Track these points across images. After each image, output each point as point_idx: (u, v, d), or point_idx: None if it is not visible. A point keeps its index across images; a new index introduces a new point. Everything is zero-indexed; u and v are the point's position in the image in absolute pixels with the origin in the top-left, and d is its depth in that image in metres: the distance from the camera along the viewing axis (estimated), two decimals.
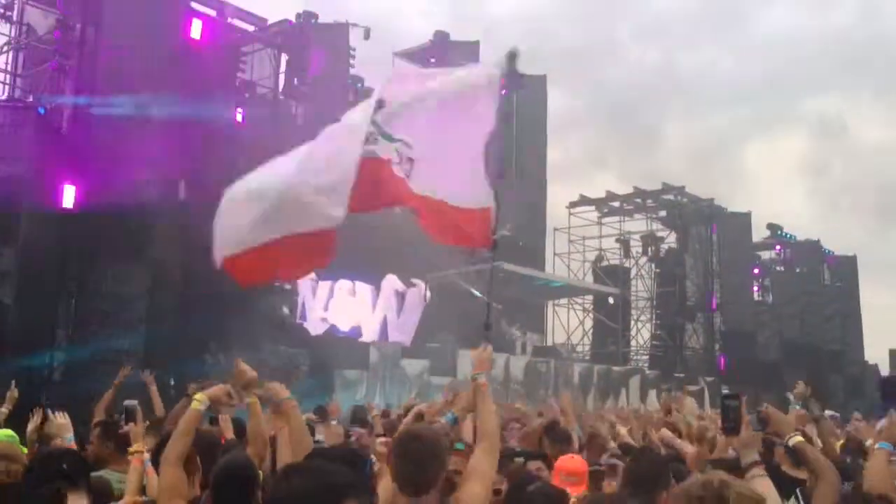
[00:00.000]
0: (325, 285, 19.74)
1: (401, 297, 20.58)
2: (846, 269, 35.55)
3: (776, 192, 62.38)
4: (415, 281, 20.36)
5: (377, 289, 20.41)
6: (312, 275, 19.04)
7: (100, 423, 5.73)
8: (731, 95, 60.93)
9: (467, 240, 4.89)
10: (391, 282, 20.36)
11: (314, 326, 18.57)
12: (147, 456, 4.33)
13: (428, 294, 20.58)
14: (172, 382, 11.64)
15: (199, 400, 3.86)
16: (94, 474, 4.12)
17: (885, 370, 34.15)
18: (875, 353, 34.97)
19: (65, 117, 15.79)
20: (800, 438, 3.83)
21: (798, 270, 34.32)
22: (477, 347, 3.97)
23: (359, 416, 8.72)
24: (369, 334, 19.59)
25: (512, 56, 4.65)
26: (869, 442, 5.59)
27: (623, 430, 7.02)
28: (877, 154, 61.45)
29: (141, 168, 14.75)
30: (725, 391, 12.97)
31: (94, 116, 15.15)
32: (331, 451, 4.03)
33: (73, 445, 4.98)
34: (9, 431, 5.70)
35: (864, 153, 62.78)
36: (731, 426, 3.81)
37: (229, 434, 5.44)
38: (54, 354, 14.47)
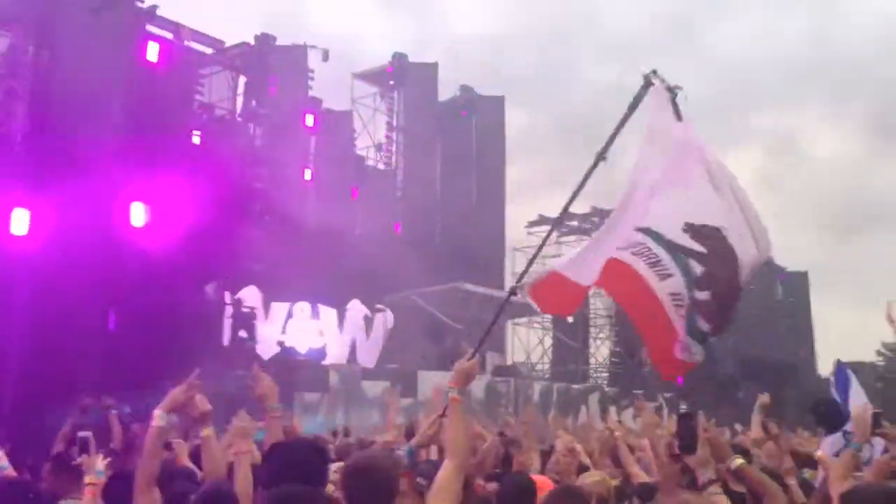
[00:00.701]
0: (280, 307, 19.63)
1: (369, 321, 20.60)
2: (798, 284, 36.31)
3: None
4: (380, 306, 20.39)
5: (341, 312, 20.38)
6: (262, 296, 18.96)
7: (51, 457, 5.68)
8: (683, 113, 61.93)
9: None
10: (357, 306, 20.37)
11: (267, 348, 18.45)
12: (100, 485, 4.29)
13: (391, 319, 20.63)
14: (128, 410, 11.49)
15: (158, 415, 3.75)
16: None
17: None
18: (827, 366, 35.64)
19: (18, 141, 15.59)
20: (740, 461, 3.95)
21: (752, 287, 34.93)
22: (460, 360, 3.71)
23: None
24: (335, 357, 19.54)
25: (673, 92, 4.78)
26: (818, 454, 5.77)
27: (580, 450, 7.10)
28: (828, 169, 62.94)
29: (97, 192, 14.60)
30: (682, 409, 13.19)
31: (48, 140, 14.98)
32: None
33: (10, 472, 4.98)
34: None
35: (813, 169, 64.31)
36: (686, 444, 3.91)
37: (184, 460, 5.39)
38: (5, 385, 14.19)
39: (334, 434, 10.87)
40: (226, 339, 16.79)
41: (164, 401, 3.85)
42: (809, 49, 61.95)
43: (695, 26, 67.06)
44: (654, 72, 4.71)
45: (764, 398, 7.25)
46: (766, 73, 62.89)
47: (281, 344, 18.27)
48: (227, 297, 17.21)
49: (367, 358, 20.31)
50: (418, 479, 3.92)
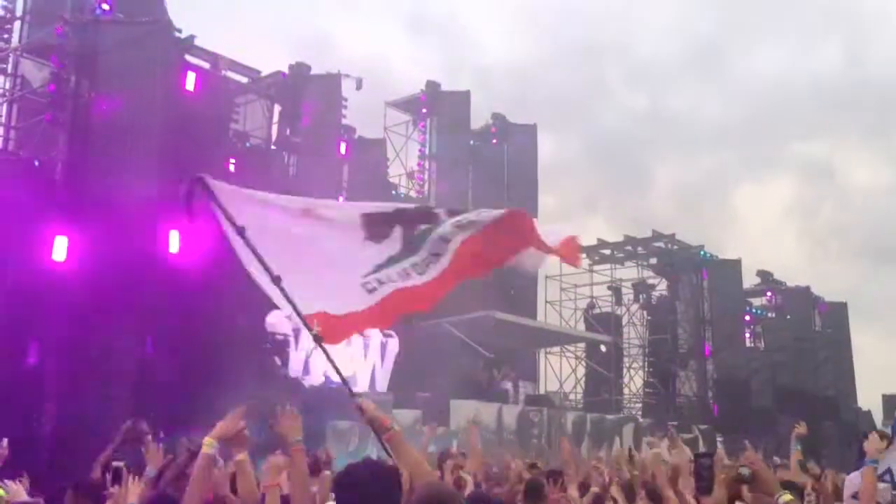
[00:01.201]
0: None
1: (383, 346, 20.49)
2: (837, 315, 35.64)
3: (766, 238, 62.69)
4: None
5: (366, 340, 20.32)
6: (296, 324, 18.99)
7: (73, 483, 5.66)
8: (718, 140, 61.54)
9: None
10: (374, 333, 20.23)
11: (302, 377, 18.45)
12: None
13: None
14: (162, 435, 11.51)
15: (209, 444, 3.76)
16: None
17: (878, 416, 34.11)
18: (867, 398, 34.90)
19: (58, 170, 15.86)
20: (789, 497, 3.81)
21: (789, 317, 34.37)
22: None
23: None
24: (363, 385, 19.44)
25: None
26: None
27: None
28: (865, 197, 61.91)
29: (135, 219, 14.78)
30: (700, 450, 12.87)
31: (88, 168, 15.23)
32: None
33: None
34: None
35: (851, 196, 63.35)
36: (704, 486, 3.77)
37: (224, 489, 5.34)
38: (45, 406, 14.33)
39: None
40: (261, 366, 16.81)
41: (214, 429, 3.84)
42: (844, 73, 61.27)
43: (727, 51, 66.78)
44: None
45: (801, 428, 7.11)
46: (800, 98, 62.22)
47: (314, 372, 18.26)
48: (264, 325, 17.26)
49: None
50: None
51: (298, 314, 4.51)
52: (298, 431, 4.08)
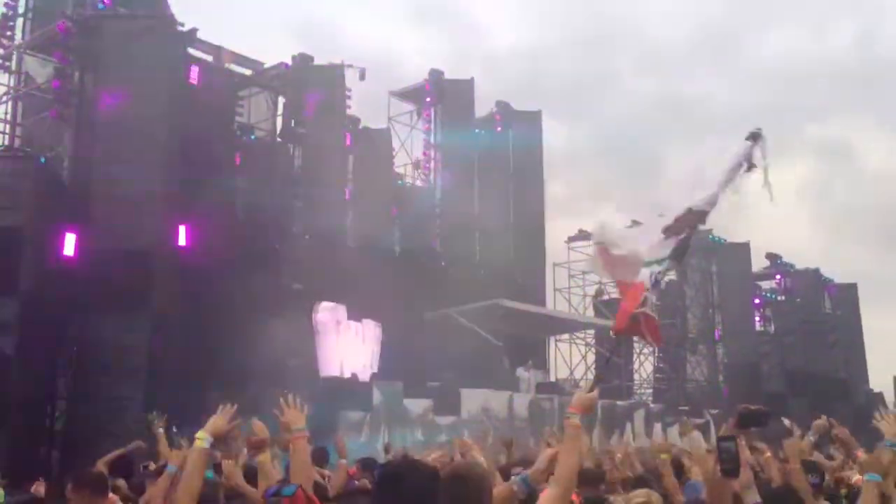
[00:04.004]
0: (322, 325, 19.54)
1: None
2: (847, 297, 35.49)
3: (776, 221, 62.32)
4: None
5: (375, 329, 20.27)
6: (311, 315, 18.95)
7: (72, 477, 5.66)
8: (730, 124, 61.14)
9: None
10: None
11: (315, 367, 18.45)
12: None
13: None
14: (175, 430, 11.52)
15: (201, 438, 3.71)
16: None
17: (889, 397, 33.97)
18: (879, 379, 34.74)
19: (65, 166, 15.86)
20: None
21: (798, 300, 34.24)
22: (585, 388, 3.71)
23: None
24: (366, 372, 19.40)
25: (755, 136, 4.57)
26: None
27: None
28: (877, 179, 61.37)
29: (142, 214, 14.79)
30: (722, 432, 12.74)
31: (94, 165, 15.22)
32: None
33: None
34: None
35: (863, 178, 62.84)
36: (729, 468, 3.71)
37: (239, 480, 5.32)
38: (56, 403, 14.37)
39: (386, 450, 10.91)
40: (272, 358, 16.81)
41: (206, 424, 3.82)
42: (857, 54, 60.75)
43: (739, 35, 66.21)
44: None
45: (821, 422, 6.90)
46: (812, 81, 61.69)
47: (327, 362, 18.27)
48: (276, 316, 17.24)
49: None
50: None
51: None
52: (301, 420, 4.07)
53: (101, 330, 14.15)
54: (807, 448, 6.50)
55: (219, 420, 3.84)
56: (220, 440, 3.97)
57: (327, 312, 19.32)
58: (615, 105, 61.89)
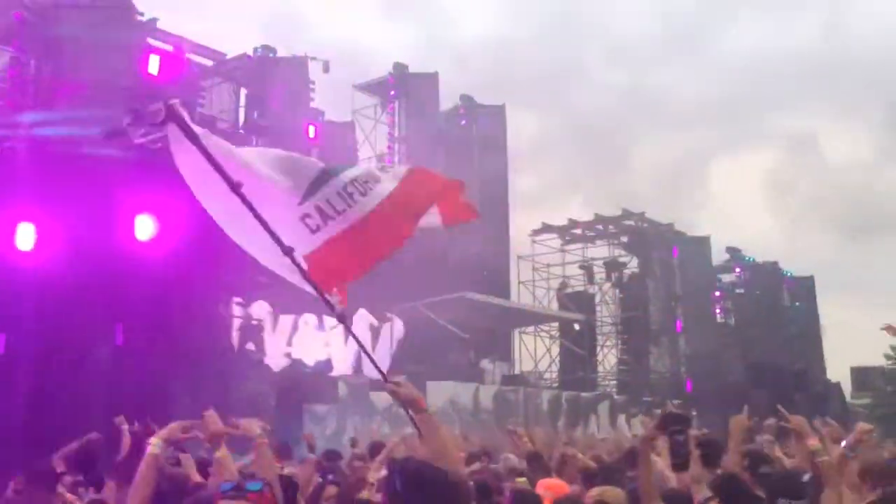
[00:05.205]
0: (286, 319, 19.47)
1: (375, 330, 20.38)
2: (804, 289, 36.14)
3: (737, 214, 63.27)
4: (389, 315, 20.16)
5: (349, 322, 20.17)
6: (270, 308, 18.82)
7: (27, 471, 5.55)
8: (696, 117, 61.83)
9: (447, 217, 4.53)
10: (363, 316, 20.14)
11: (276, 362, 18.30)
12: None
13: (401, 328, 20.38)
14: (136, 427, 11.34)
15: (154, 444, 3.77)
16: None
17: (847, 388, 34.71)
18: (836, 371, 35.47)
19: (21, 154, 15.49)
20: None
21: (758, 293, 34.77)
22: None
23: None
24: (342, 368, 19.33)
25: None
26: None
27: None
28: (838, 171, 62.48)
29: (102, 205, 14.48)
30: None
31: (52, 152, 14.87)
32: None
33: None
34: None
35: (825, 171, 63.96)
36: (679, 462, 3.65)
37: (194, 476, 5.28)
38: (14, 403, 14.04)
39: (352, 445, 10.85)
40: (234, 352, 16.66)
41: (162, 430, 3.85)
42: (821, 48, 61.58)
43: (705, 27, 67.03)
44: None
45: (770, 422, 7.04)
46: (777, 74, 62.53)
47: (289, 356, 18.12)
48: (236, 310, 17.08)
49: (374, 368, 20.08)
50: None
51: (316, 289, 3.97)
52: (257, 428, 4.21)
53: (63, 324, 13.84)
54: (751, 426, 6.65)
55: (175, 428, 3.91)
56: (176, 444, 4.05)
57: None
58: (582, 97, 62.35)
